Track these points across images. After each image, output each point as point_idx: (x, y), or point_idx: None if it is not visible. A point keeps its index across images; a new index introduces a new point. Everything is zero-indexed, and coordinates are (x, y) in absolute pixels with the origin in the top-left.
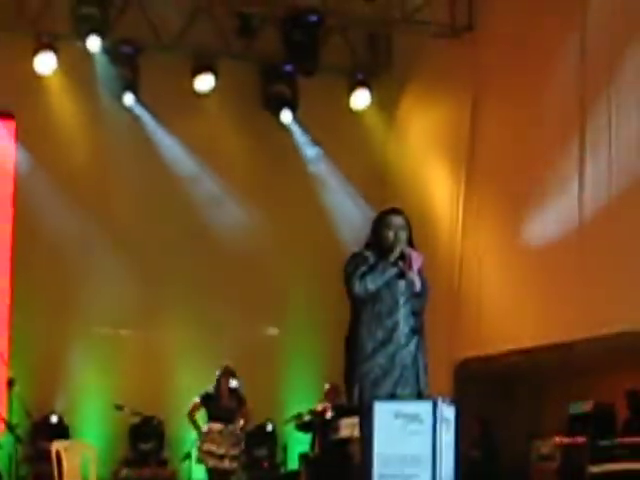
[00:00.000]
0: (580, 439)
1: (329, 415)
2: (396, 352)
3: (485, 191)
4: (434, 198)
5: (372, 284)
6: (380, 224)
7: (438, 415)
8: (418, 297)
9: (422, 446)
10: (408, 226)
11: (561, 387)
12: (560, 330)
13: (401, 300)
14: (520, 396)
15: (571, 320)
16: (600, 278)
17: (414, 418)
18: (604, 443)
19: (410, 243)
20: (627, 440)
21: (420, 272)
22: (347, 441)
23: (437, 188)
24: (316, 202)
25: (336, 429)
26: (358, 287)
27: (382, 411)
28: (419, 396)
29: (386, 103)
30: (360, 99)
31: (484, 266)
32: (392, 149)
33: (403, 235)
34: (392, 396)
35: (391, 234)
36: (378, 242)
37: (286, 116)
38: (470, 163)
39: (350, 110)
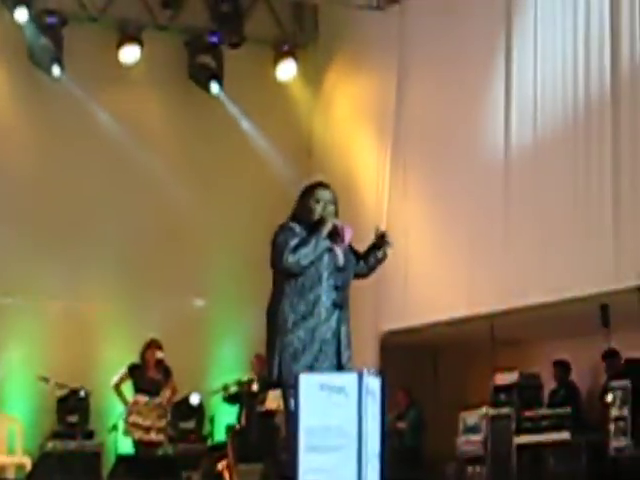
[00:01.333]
0: (506, 410)
1: (256, 387)
2: (316, 326)
3: (411, 162)
4: (360, 169)
5: (305, 259)
6: (308, 197)
7: (363, 387)
8: (342, 271)
9: (348, 418)
10: (335, 200)
11: (487, 358)
12: (485, 301)
13: (324, 274)
14: (446, 367)
15: (496, 291)
16: (525, 249)
17: (339, 390)
18: (530, 414)
19: (336, 217)
20: (552, 411)
21: (349, 247)
22: (274, 413)
23: (363, 159)
24: (243, 174)
25: (263, 401)
26: (291, 260)
27: (307, 383)
28: (339, 370)
29: (312, 74)
30: (286, 70)
31: (410, 238)
32: (318, 120)
33: (331, 209)
34: (310, 370)
35: (319, 207)
36: (306, 215)
37: (213, 87)
38: (396, 134)
39: (276, 81)
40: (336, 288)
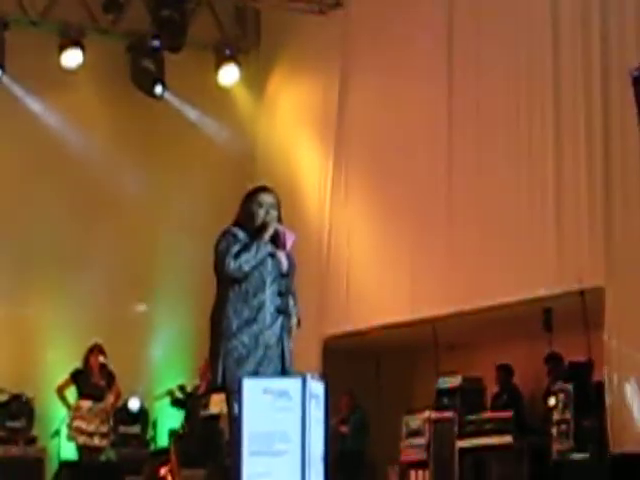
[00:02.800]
0: (448, 414)
1: (201, 391)
2: (260, 332)
3: (354, 166)
4: (303, 174)
5: (246, 264)
6: (251, 202)
7: (307, 391)
8: (285, 277)
9: (291, 422)
10: (278, 204)
11: (430, 362)
12: (428, 305)
13: (268, 280)
14: (389, 371)
15: (439, 295)
16: (467, 253)
17: (283, 394)
18: (472, 417)
19: (279, 221)
20: (494, 414)
21: (289, 252)
22: (217, 417)
23: (306, 164)
24: (186, 178)
25: (206, 405)
26: (233, 266)
27: (251, 388)
28: (284, 375)
29: (255, 79)
30: (228, 75)
31: (353, 242)
32: (262, 125)
33: (274, 213)
34: (255, 375)
35: (262, 212)
36: (248, 220)
37: (157, 90)
38: (338, 137)
39: (218, 86)
40: (280, 294)
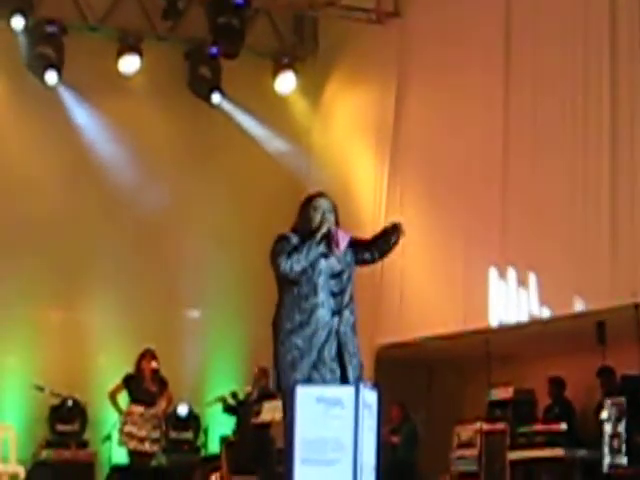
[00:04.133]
0: (500, 425)
1: (254, 398)
2: (314, 334)
3: (409, 176)
4: (358, 183)
5: (297, 264)
6: (308, 207)
7: (360, 400)
8: (339, 277)
9: (344, 431)
10: (335, 209)
11: (482, 373)
12: (480, 317)
13: (320, 282)
14: (441, 382)
15: (493, 308)
16: (521, 266)
17: (336, 403)
18: (523, 429)
19: (336, 225)
20: (546, 427)
21: (352, 240)
22: (269, 425)
23: (361, 173)
24: (240, 186)
25: (258, 412)
26: (284, 266)
27: (304, 395)
28: (342, 380)
29: (311, 87)
30: (285, 83)
31: (406, 252)
32: (317, 132)
33: (331, 217)
34: (309, 378)
35: (318, 216)
36: (305, 224)
37: (214, 98)
38: (394, 147)
39: (275, 94)
40: (333, 295)
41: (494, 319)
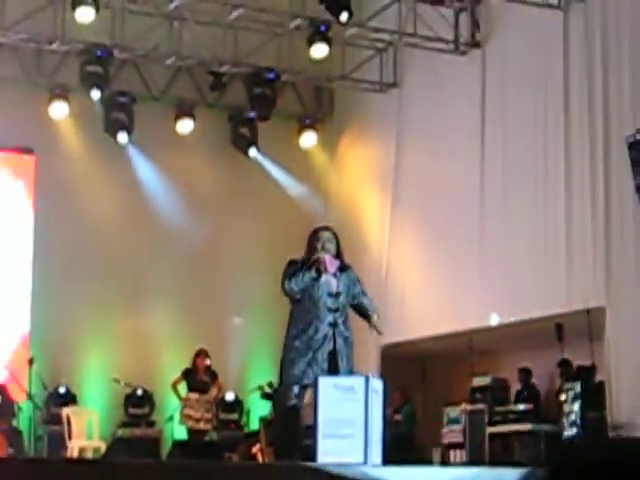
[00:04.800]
0: (480, 406)
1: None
2: (310, 340)
3: (407, 212)
4: (366, 218)
5: (295, 285)
6: (312, 238)
7: (369, 387)
8: (336, 296)
9: (356, 412)
10: (335, 239)
11: (466, 365)
12: (465, 321)
13: (320, 299)
14: (433, 372)
15: (474, 313)
16: (496, 280)
17: (350, 389)
18: (499, 409)
19: (338, 252)
20: (517, 407)
21: (339, 273)
22: (298, 407)
23: (369, 210)
24: (272, 219)
25: (289, 398)
26: (286, 286)
27: (324, 384)
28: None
29: (328, 143)
30: (308, 140)
31: (405, 271)
32: (333, 179)
33: (330, 246)
34: (303, 374)
35: (319, 245)
36: (309, 252)
37: (251, 152)
38: (394, 189)
39: (299, 148)
40: (330, 310)
41: (475, 322)
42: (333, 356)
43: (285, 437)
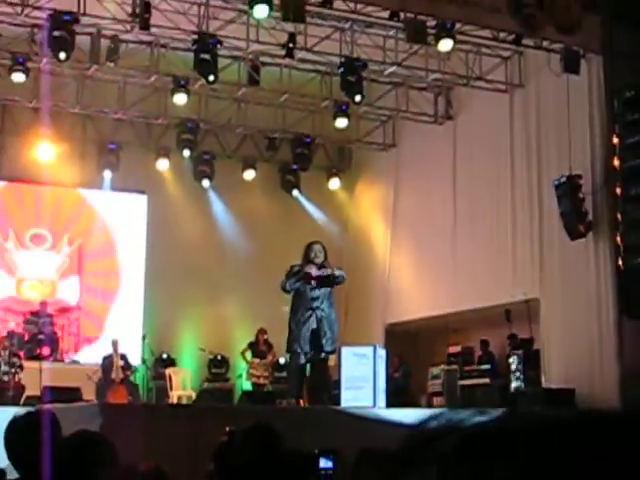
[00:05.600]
0: (454, 366)
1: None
2: (298, 322)
3: (402, 236)
4: (374, 240)
5: (288, 285)
6: (307, 249)
7: (376, 354)
8: (317, 290)
9: (367, 371)
10: (324, 250)
11: (443, 338)
12: (442, 307)
13: (308, 295)
14: (422, 343)
15: (449, 302)
16: (464, 280)
17: (363, 356)
18: (467, 369)
19: (325, 259)
20: (478, 367)
21: (319, 279)
22: (327, 368)
23: (376, 235)
24: (306, 238)
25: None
26: (282, 285)
27: (345, 352)
28: (320, 352)
29: (348, 187)
30: (333, 184)
31: (402, 273)
32: (350, 212)
33: (320, 255)
34: (299, 347)
35: (312, 254)
36: (304, 259)
37: (294, 193)
38: (394, 219)
39: (328, 190)
40: (312, 299)
41: (450, 308)
42: (315, 332)
43: (318, 388)
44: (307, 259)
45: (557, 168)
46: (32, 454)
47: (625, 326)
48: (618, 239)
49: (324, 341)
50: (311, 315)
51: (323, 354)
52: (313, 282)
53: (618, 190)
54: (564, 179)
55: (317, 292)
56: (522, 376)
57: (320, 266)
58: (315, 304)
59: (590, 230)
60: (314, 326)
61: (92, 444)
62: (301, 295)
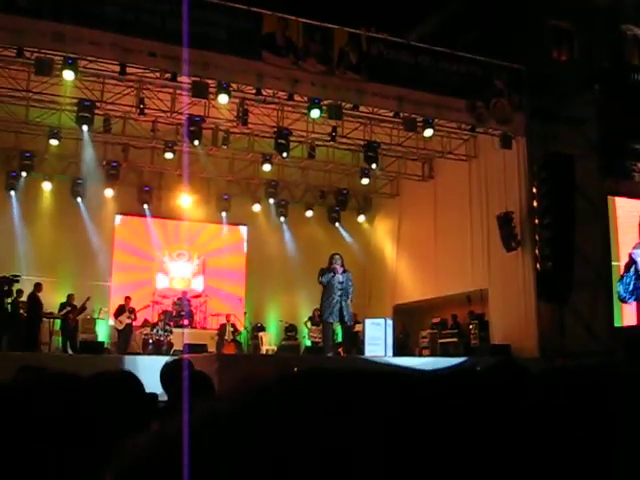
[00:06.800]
0: (435, 331)
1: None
2: (330, 304)
3: (403, 248)
4: (386, 252)
5: (322, 278)
6: (331, 258)
7: (386, 323)
8: (342, 284)
9: (381, 333)
10: (341, 258)
11: (429, 313)
12: (428, 293)
13: (336, 285)
14: (416, 317)
15: (432, 289)
16: (441, 274)
17: (379, 324)
18: (443, 333)
19: (342, 264)
20: (451, 332)
21: (343, 274)
22: (357, 332)
23: (387, 251)
24: (348, 256)
25: (353, 326)
26: (319, 279)
27: (368, 322)
28: (344, 323)
29: (371, 220)
30: (360, 219)
31: (403, 274)
32: (372, 237)
33: (339, 261)
34: (331, 318)
35: (334, 260)
36: (330, 263)
37: (336, 224)
38: (398, 241)
39: (357, 222)
40: (340, 289)
41: (433, 294)
42: (340, 310)
43: (350, 345)
44: (331, 262)
45: (498, 206)
46: (176, 385)
47: (541, 307)
48: (537, 251)
49: (346, 316)
50: (337, 299)
51: (348, 324)
52: (339, 275)
53: (536, 221)
54: (503, 214)
55: (340, 285)
56: (477, 337)
57: (342, 266)
58: (340, 292)
59: (519, 246)
60: (339, 306)
61: (206, 378)
62: (331, 286)
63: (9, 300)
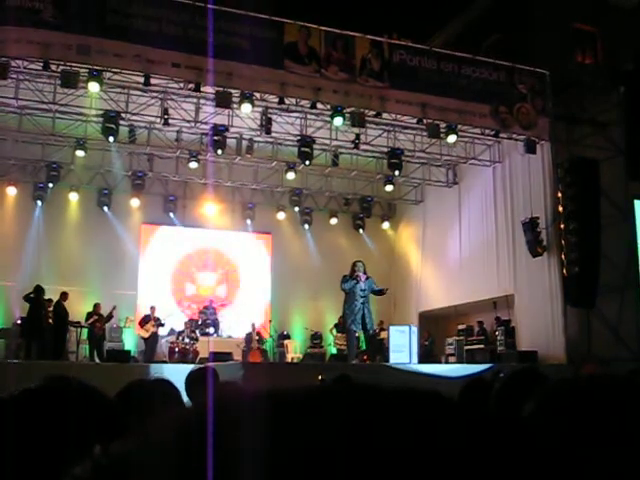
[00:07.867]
0: (461, 337)
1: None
2: (352, 311)
3: (428, 255)
4: (410, 260)
5: (346, 286)
6: (354, 265)
7: (411, 330)
8: (365, 291)
9: (405, 341)
10: (363, 265)
11: (455, 320)
12: (453, 300)
13: (358, 293)
14: (442, 323)
15: (457, 296)
16: (467, 282)
17: (403, 331)
18: (469, 340)
19: (365, 271)
20: (477, 338)
21: (365, 281)
22: (382, 339)
23: (411, 256)
24: (370, 263)
25: (378, 334)
26: (341, 286)
27: (393, 329)
28: (367, 330)
29: (394, 227)
30: (385, 226)
31: (428, 281)
32: (396, 243)
33: (362, 268)
34: (353, 325)
35: (357, 268)
36: (352, 270)
37: (360, 231)
38: (422, 248)
39: (382, 229)
40: (362, 297)
41: (458, 301)
42: (363, 317)
43: (375, 351)
44: (353, 270)
45: (523, 212)
46: (202, 393)
47: (568, 311)
48: (562, 256)
49: (368, 324)
50: (360, 307)
51: (370, 331)
52: (361, 282)
53: (562, 226)
54: (528, 219)
55: (362, 292)
56: (504, 343)
57: (364, 273)
58: (362, 300)
59: (545, 251)
60: (361, 313)
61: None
62: (354, 293)
63: (40, 310)
